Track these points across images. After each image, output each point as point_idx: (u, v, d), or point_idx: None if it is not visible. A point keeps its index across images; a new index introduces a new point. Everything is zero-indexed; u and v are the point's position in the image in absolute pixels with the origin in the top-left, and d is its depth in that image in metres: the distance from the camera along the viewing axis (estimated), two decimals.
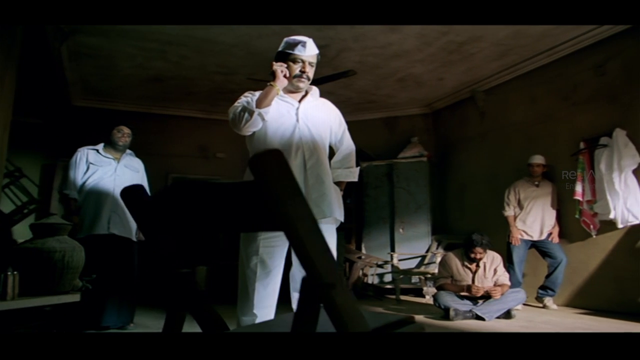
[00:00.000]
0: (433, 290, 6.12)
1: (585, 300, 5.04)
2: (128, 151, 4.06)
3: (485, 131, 6.55)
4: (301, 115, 2.31)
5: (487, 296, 4.43)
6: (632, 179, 4.54)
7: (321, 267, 0.79)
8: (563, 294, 5.18)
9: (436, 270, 5.61)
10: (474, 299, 4.47)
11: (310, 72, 2.32)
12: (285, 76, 2.26)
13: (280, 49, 2.36)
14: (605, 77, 4.92)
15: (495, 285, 4.51)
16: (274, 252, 2.19)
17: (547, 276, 5.11)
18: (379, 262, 6.92)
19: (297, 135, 2.24)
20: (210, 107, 7.46)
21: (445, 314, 4.38)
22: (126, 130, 4.01)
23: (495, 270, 4.58)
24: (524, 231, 5.27)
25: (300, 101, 2.36)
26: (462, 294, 4.49)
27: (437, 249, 6.80)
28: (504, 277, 4.57)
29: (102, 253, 3.61)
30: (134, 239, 3.90)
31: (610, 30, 4.80)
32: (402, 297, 6.33)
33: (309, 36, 4.99)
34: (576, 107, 5.23)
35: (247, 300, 2.17)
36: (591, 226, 4.92)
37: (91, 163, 3.84)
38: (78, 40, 5.05)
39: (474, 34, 5.01)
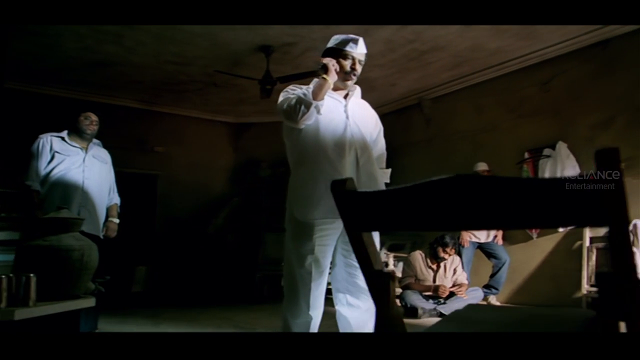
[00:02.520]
0: None
1: (524, 296, 5.47)
2: (95, 140, 3.71)
3: (430, 137, 6.87)
4: (350, 113, 2.28)
5: (449, 295, 4.66)
6: None
7: None
8: (504, 291, 5.58)
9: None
10: (437, 298, 4.67)
11: (359, 70, 2.30)
12: (335, 71, 2.21)
13: (330, 45, 2.31)
14: (550, 93, 5.40)
15: (454, 284, 4.75)
16: (326, 250, 2.14)
17: (492, 275, 5.47)
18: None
19: (348, 133, 2.20)
20: (152, 97, 7.04)
21: (411, 312, 4.53)
22: (94, 117, 3.66)
23: (454, 270, 4.83)
24: (472, 234, 5.60)
25: (345, 98, 2.33)
26: (427, 293, 4.68)
27: (381, 249, 6.99)
28: (462, 276, 4.83)
29: None
30: (101, 236, 3.58)
31: (556, 51, 5.26)
32: None
33: (281, 32, 4.95)
34: (521, 119, 5.67)
35: (300, 302, 2.09)
36: (533, 229, 5.35)
37: (57, 152, 3.46)
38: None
39: (437, 44, 5.24)
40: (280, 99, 2.24)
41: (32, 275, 1.81)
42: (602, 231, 4.83)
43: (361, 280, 2.16)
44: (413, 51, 5.43)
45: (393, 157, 7.33)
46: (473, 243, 5.59)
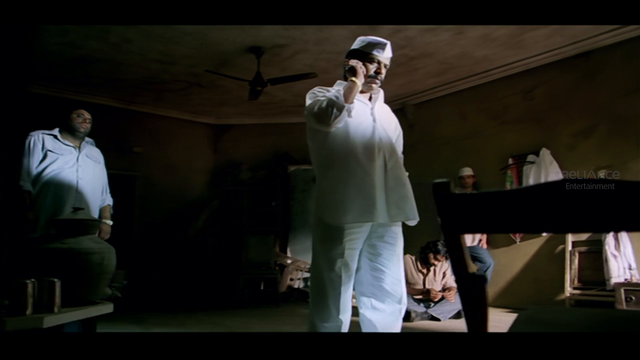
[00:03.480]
0: None
1: (507, 299, 5.59)
2: (87, 139, 3.56)
3: (413, 142, 6.93)
4: (376, 116, 2.27)
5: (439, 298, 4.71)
6: None
7: None
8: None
9: None
10: (427, 301, 4.71)
11: (384, 74, 2.30)
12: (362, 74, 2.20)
13: (356, 47, 2.29)
14: (533, 101, 5.55)
15: (443, 288, 4.81)
16: (354, 254, 2.12)
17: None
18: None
19: (376, 136, 2.19)
20: (131, 97, 6.84)
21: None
22: (87, 115, 3.52)
23: (444, 274, 4.89)
24: None
25: (369, 101, 2.32)
26: (418, 297, 4.71)
27: None
28: (451, 280, 4.89)
29: None
30: None
31: (540, 60, 5.42)
32: None
33: (273, 34, 4.90)
34: (504, 126, 5.81)
35: (330, 306, 2.06)
36: (517, 234, 5.49)
37: (49, 150, 3.30)
38: None
39: (427, 50, 5.31)
40: (308, 101, 2.21)
41: (56, 280, 1.71)
42: (584, 236, 5.00)
43: (387, 284, 2.16)
44: (402, 57, 5.49)
45: None
46: None
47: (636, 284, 4.21)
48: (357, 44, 2.31)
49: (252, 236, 6.52)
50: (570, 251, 5.02)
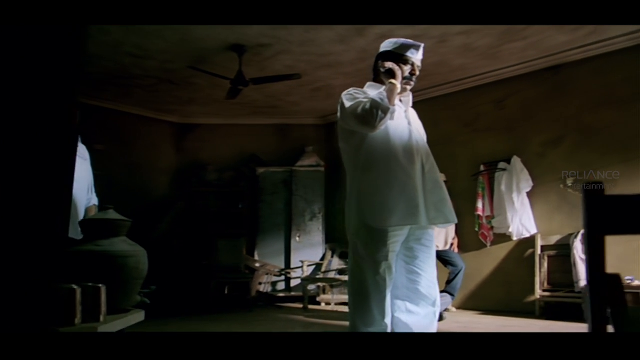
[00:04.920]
0: (341, 297, 6.32)
1: (478, 302, 5.77)
2: None
3: None
4: (410, 119, 2.26)
5: None
6: (526, 199, 5.40)
7: None
8: (458, 297, 5.84)
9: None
10: None
11: (417, 75, 2.30)
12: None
13: (388, 48, 2.28)
14: (504, 111, 5.77)
15: None
16: (395, 257, 2.10)
17: (448, 282, 5.69)
18: (284, 271, 6.87)
19: (414, 139, 2.19)
20: (95, 92, 6.48)
21: None
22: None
23: None
24: None
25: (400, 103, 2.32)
26: None
27: (332, 257, 7.02)
28: None
29: None
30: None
31: (512, 72, 5.66)
32: (293, 305, 6.45)
33: (259, 33, 4.81)
34: (476, 133, 6.01)
35: (373, 310, 2.02)
36: (487, 238, 5.68)
37: None
38: None
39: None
40: (347, 102, 2.17)
41: (101, 285, 1.57)
42: (552, 240, 5.25)
43: (422, 287, 2.16)
44: None
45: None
46: None
47: None
48: (389, 45, 2.30)
49: (222, 239, 6.35)
50: (540, 255, 5.25)
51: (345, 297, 6.41)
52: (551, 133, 5.38)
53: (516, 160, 5.48)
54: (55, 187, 1.66)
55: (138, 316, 1.86)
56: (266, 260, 6.98)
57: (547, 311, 5.06)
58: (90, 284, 1.56)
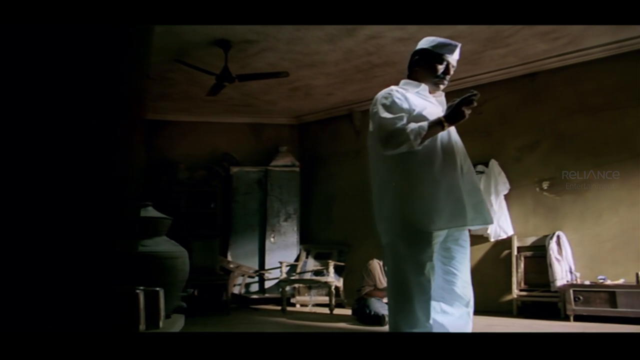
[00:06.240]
0: (318, 299, 6.28)
1: None
2: None
3: (360, 148, 7.04)
4: None
5: None
6: (503, 202, 5.56)
7: None
8: None
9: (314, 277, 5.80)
10: None
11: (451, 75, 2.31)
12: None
13: (426, 46, 2.26)
14: (482, 115, 5.91)
15: None
16: (435, 258, 2.08)
17: None
18: (260, 272, 6.75)
19: (452, 139, 2.19)
20: None
21: (374, 320, 4.57)
22: None
23: None
24: None
25: None
26: (385, 300, 4.78)
27: (306, 258, 6.96)
28: None
29: None
30: None
31: (490, 77, 5.81)
32: (269, 307, 6.39)
33: (247, 28, 4.70)
34: None
35: (417, 311, 1.99)
36: None
37: None
38: None
39: (391, 59, 5.43)
40: (382, 111, 2.10)
41: (159, 289, 1.46)
42: (528, 241, 5.43)
43: (457, 287, 2.16)
44: (366, 64, 5.56)
45: (321, 165, 7.49)
46: None
47: (583, 285, 4.66)
48: (426, 43, 2.28)
49: (196, 240, 6.15)
50: (516, 256, 5.42)
51: (322, 299, 6.38)
52: (527, 138, 5.57)
53: (494, 164, 5.64)
54: (113, 189, 1.53)
55: (180, 321, 1.74)
56: (239, 261, 6.84)
57: (524, 310, 5.23)
58: (148, 287, 1.45)
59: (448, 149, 2.15)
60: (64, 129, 1.43)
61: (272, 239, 6.95)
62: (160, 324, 1.44)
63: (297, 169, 7.20)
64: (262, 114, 7.52)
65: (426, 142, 2.10)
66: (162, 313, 1.45)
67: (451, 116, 2.05)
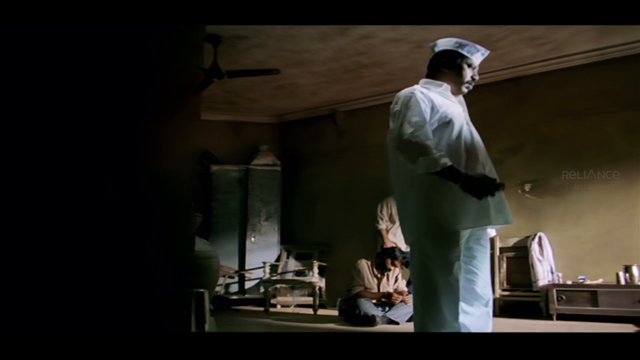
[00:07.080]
0: (300, 299, 6.22)
1: None
2: None
3: (342, 148, 7.04)
4: (467, 119, 2.26)
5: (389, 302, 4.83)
6: None
7: None
8: None
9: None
10: (384, 305, 4.79)
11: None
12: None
13: (457, 49, 2.24)
14: None
15: (395, 291, 4.94)
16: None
17: (409, 283, 5.82)
18: (241, 273, 6.63)
19: (475, 139, 2.19)
20: None
21: (364, 320, 4.55)
22: None
23: (396, 279, 5.03)
24: (394, 243, 5.88)
25: None
26: (374, 301, 4.78)
27: (287, 258, 6.89)
28: (402, 284, 5.05)
29: None
30: None
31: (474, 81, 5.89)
32: (249, 308, 6.32)
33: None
34: None
35: (444, 312, 1.97)
36: None
37: None
38: None
39: (381, 60, 5.44)
40: (406, 112, 2.07)
41: (203, 290, 1.39)
42: (510, 242, 5.54)
43: (478, 287, 2.16)
44: (355, 63, 5.55)
45: (303, 165, 7.43)
46: None
47: (566, 285, 4.78)
48: (455, 45, 2.26)
49: None
50: (499, 256, 5.51)
51: (304, 299, 6.33)
52: (510, 141, 5.68)
53: None
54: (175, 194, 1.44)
55: (212, 324, 1.67)
56: (220, 261, 6.70)
57: (506, 310, 5.32)
58: (192, 289, 1.37)
59: (472, 149, 2.15)
60: (134, 128, 1.33)
61: (252, 239, 6.85)
62: (206, 326, 1.37)
63: (279, 169, 7.12)
64: (243, 111, 7.41)
65: (450, 142, 2.10)
66: (208, 315, 1.38)
67: (469, 184, 1.98)
